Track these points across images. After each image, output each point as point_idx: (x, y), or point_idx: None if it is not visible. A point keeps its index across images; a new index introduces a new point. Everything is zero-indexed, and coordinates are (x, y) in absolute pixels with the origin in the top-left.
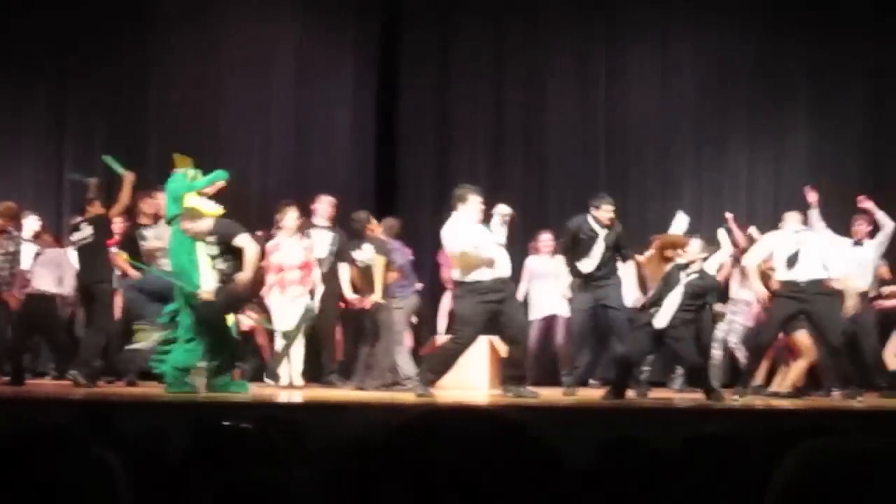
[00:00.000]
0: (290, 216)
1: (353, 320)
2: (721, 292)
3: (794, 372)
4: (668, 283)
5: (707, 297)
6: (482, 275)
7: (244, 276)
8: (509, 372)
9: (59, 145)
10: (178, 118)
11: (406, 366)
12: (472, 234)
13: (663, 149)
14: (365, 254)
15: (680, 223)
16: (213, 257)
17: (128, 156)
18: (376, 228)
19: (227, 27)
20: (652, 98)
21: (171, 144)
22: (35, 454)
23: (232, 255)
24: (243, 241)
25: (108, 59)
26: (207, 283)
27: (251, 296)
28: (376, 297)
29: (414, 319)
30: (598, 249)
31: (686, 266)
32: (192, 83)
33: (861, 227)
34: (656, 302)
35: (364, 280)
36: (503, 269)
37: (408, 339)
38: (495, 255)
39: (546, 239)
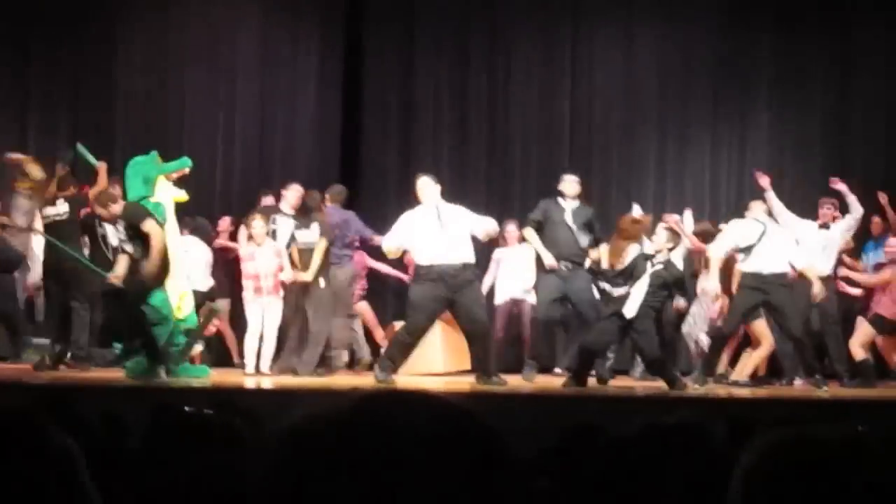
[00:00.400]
0: (258, 225)
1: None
2: (685, 285)
3: (752, 361)
4: (633, 271)
5: (672, 288)
6: (435, 260)
7: (150, 264)
8: (475, 366)
9: (23, 132)
10: (142, 105)
11: (362, 344)
12: (414, 221)
13: (627, 136)
14: (311, 234)
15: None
16: (122, 241)
17: (93, 143)
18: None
19: (192, 13)
20: (616, 85)
21: (135, 131)
22: None
23: (141, 240)
24: (150, 227)
25: (72, 45)
26: (119, 268)
27: (159, 283)
28: (307, 276)
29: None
30: (566, 228)
31: (652, 256)
32: (157, 70)
33: (828, 211)
34: (615, 280)
35: (303, 261)
36: (456, 256)
37: (368, 315)
38: (434, 241)
39: (511, 230)
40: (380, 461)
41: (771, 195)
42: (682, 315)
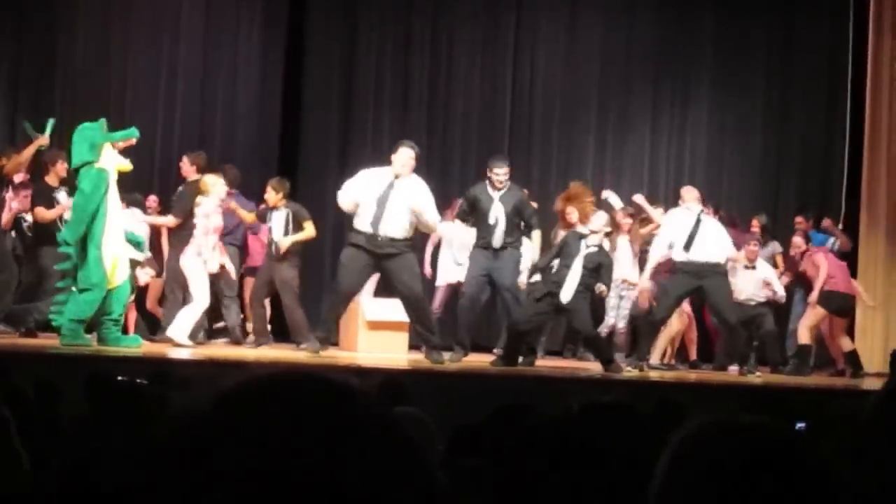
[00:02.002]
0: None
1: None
2: (611, 271)
3: (663, 340)
4: (565, 251)
5: (601, 271)
6: (361, 224)
7: None
8: (416, 338)
9: None
10: (84, 74)
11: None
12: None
13: (568, 119)
14: None
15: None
16: None
17: (33, 114)
18: None
19: None
20: (558, 67)
21: (77, 100)
22: None
23: None
24: None
25: (13, 16)
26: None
27: None
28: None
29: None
30: (494, 215)
31: (586, 236)
32: (99, 38)
33: (754, 248)
34: (547, 267)
35: None
36: (389, 229)
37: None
38: (368, 208)
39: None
40: (265, 441)
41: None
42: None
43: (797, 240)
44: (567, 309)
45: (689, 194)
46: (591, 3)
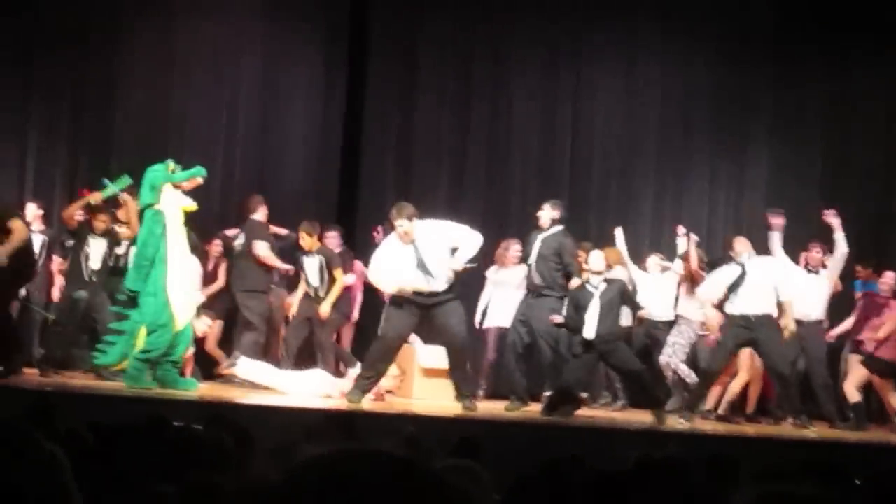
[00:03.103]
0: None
1: None
2: (632, 296)
3: (729, 391)
4: (579, 302)
5: (625, 299)
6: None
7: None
8: (454, 385)
9: (24, 142)
10: (144, 113)
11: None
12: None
13: (626, 169)
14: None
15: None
16: None
17: (93, 150)
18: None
19: (196, 21)
20: (617, 118)
21: (136, 139)
22: None
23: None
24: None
25: (73, 56)
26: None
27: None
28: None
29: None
30: (533, 255)
31: (589, 280)
32: (160, 78)
33: (817, 255)
34: (571, 324)
35: None
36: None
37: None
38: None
39: (516, 249)
40: None
41: (776, 236)
42: (655, 343)
43: (888, 280)
44: (605, 356)
45: (741, 246)
46: (649, 54)
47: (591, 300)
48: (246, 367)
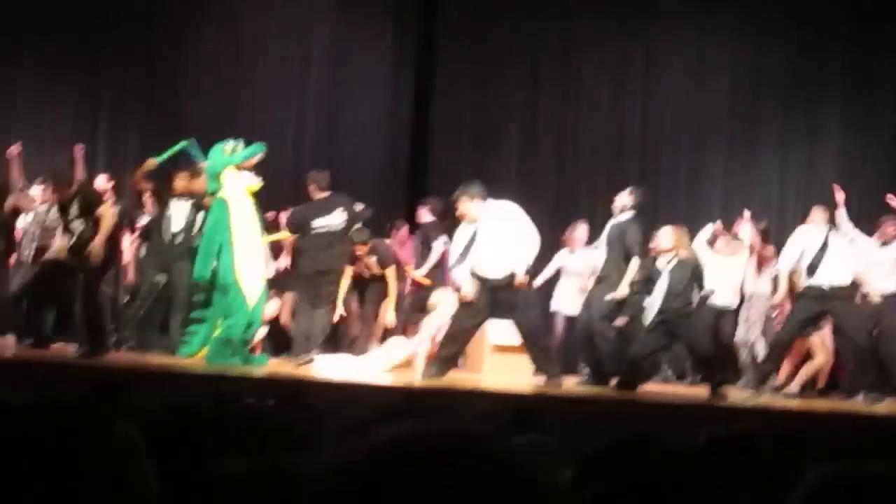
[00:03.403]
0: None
1: None
2: (701, 276)
3: (805, 372)
4: (650, 278)
5: (694, 281)
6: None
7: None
8: (535, 366)
9: (94, 126)
10: (212, 95)
11: None
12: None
13: (696, 148)
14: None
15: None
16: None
17: (161, 132)
18: None
19: (265, 5)
20: (686, 97)
21: (205, 122)
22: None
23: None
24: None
25: (144, 31)
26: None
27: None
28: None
29: None
30: (602, 241)
31: (663, 255)
32: (228, 59)
33: (889, 228)
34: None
35: None
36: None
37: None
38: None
39: (583, 232)
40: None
41: (842, 212)
42: (731, 321)
43: None
44: (677, 332)
45: (819, 215)
46: (719, 36)
47: (661, 277)
48: (324, 364)
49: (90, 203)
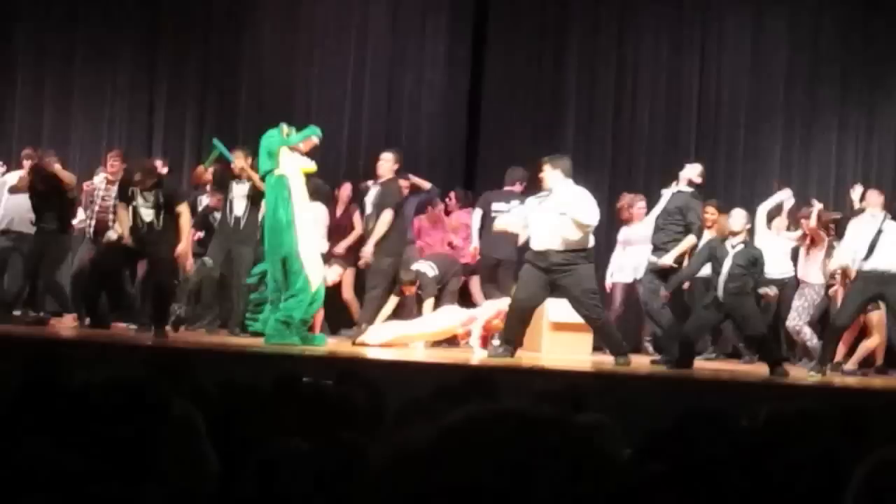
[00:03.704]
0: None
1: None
2: (762, 266)
3: (860, 351)
4: (716, 255)
5: (754, 269)
6: (537, 245)
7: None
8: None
9: (150, 110)
10: (270, 74)
11: None
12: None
13: (753, 122)
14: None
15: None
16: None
17: (219, 112)
18: None
19: None
20: (743, 72)
21: (262, 101)
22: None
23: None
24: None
25: (201, 19)
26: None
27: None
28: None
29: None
30: (655, 211)
31: (732, 237)
32: (285, 40)
33: None
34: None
35: None
36: (556, 242)
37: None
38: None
39: (640, 206)
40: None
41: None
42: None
43: None
44: (731, 311)
45: (874, 198)
46: (776, 7)
47: (727, 257)
48: (375, 333)
49: (171, 198)
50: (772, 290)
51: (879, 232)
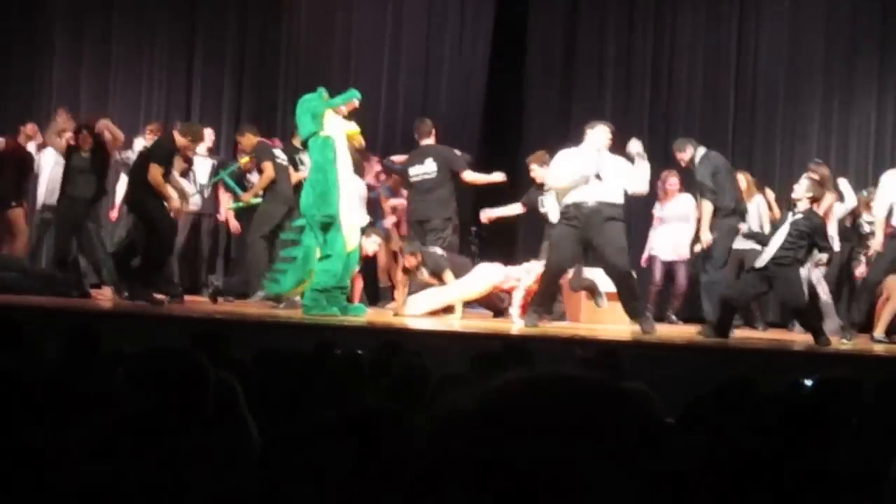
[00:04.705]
0: None
1: None
2: (826, 236)
3: (886, 315)
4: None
5: (815, 237)
6: (574, 198)
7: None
8: (625, 311)
9: (189, 72)
10: (307, 42)
11: None
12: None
13: (792, 92)
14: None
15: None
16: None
17: (258, 80)
18: None
19: None
20: (782, 44)
21: (300, 69)
22: (163, 376)
23: None
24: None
25: None
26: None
27: None
28: None
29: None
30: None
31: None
32: (322, 8)
33: None
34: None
35: None
36: (595, 195)
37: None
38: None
39: (674, 182)
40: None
41: None
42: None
43: None
44: (777, 279)
45: None
46: None
47: (783, 225)
48: (414, 303)
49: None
50: (822, 257)
51: None
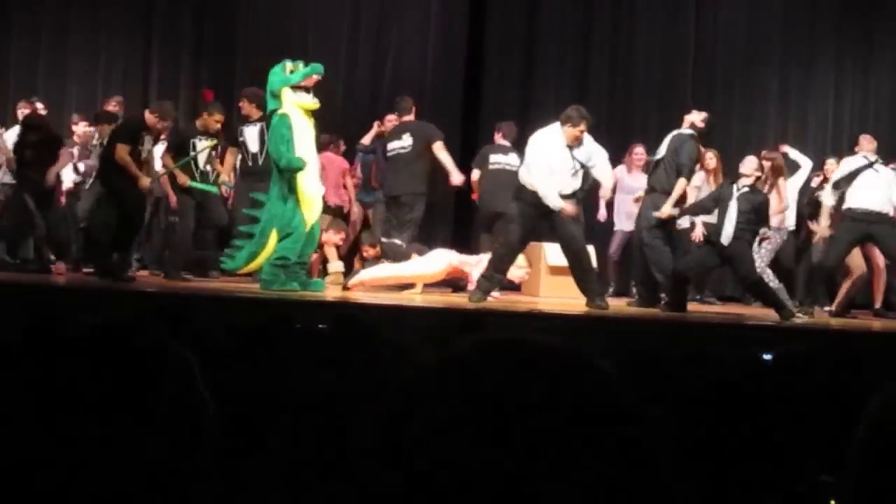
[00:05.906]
0: None
1: None
2: (766, 213)
3: (843, 290)
4: (721, 197)
5: (760, 212)
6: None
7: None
8: (578, 286)
9: (147, 40)
10: (265, 12)
11: None
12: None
13: (750, 66)
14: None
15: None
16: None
17: (215, 51)
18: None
19: None
20: (740, 16)
21: (258, 40)
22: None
23: None
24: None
25: None
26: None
27: None
28: None
29: None
30: (660, 150)
31: (738, 181)
32: None
33: None
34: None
35: None
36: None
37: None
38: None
39: (639, 153)
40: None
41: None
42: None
43: None
44: (730, 255)
45: (867, 143)
46: None
47: (731, 202)
48: (367, 273)
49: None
50: (765, 232)
51: (870, 171)
